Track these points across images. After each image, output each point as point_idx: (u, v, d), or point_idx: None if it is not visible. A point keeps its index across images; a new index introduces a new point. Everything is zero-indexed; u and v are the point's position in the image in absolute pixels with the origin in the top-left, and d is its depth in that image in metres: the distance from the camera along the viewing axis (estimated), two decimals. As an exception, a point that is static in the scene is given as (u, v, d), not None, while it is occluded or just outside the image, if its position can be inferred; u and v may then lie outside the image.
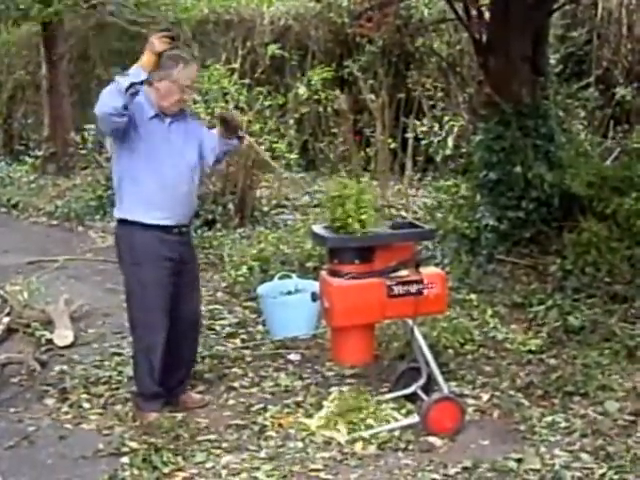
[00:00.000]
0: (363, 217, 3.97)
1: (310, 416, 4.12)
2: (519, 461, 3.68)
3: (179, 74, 4.06)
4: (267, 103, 9.28)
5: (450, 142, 9.93)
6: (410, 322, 4.06)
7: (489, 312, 5.54)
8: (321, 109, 11.22)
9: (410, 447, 3.86)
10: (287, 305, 5.29)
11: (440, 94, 10.75)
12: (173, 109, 4.12)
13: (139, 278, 4.11)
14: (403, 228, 4.21)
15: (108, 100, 3.88)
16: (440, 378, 4.07)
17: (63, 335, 5.35)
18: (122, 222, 4.15)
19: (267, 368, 4.88)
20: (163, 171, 4.06)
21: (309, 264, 6.32)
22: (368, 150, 10.21)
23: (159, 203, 4.06)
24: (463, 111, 10.12)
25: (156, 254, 4.08)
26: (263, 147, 9.50)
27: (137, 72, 3.89)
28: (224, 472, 3.67)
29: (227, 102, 9.28)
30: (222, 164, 4.61)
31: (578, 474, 3.57)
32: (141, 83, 3.90)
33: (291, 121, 11.12)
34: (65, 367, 4.95)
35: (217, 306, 5.99)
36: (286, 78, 12.00)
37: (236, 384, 4.64)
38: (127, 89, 3.83)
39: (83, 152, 10.99)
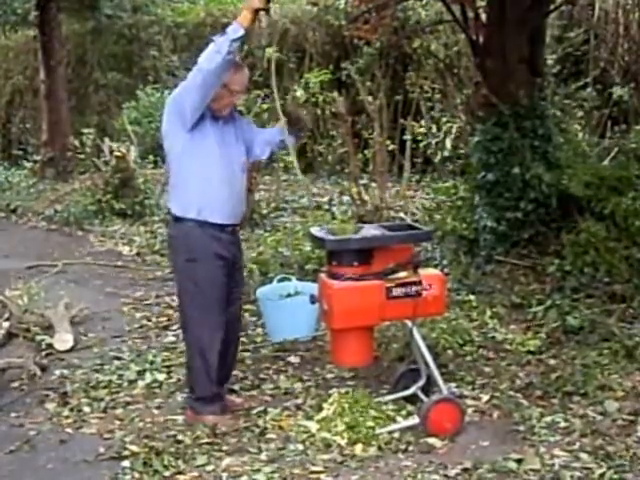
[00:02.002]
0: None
1: (310, 418, 4.13)
2: (519, 461, 3.69)
3: (230, 78, 4.05)
4: (265, 106, 9.29)
5: (448, 143, 9.95)
6: (409, 323, 4.07)
7: (488, 313, 5.55)
8: (319, 111, 11.23)
9: (410, 448, 3.87)
10: (286, 308, 5.31)
11: (438, 96, 10.76)
12: (223, 112, 4.14)
13: (193, 275, 4.11)
14: (401, 230, 4.23)
15: (210, 58, 3.86)
16: (439, 379, 4.08)
17: (63, 339, 5.35)
18: (178, 220, 4.17)
19: (267, 371, 4.89)
20: (219, 171, 4.09)
21: (308, 266, 6.33)
22: (366, 152, 10.22)
23: (214, 202, 4.08)
24: (461, 112, 10.13)
25: (211, 252, 4.10)
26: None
27: (235, 29, 3.85)
28: (225, 475, 3.67)
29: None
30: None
31: (578, 474, 3.58)
32: (240, 39, 3.86)
33: (289, 124, 11.12)
34: (65, 371, 4.96)
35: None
36: (284, 81, 12.01)
37: (236, 387, 4.64)
38: (229, 47, 3.83)
39: (81, 156, 10.99)
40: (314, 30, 12.41)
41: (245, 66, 4.28)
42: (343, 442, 3.90)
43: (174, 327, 5.78)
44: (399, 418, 4.08)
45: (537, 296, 5.70)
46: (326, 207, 8.87)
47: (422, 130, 10.17)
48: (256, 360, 5.03)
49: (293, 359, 5.07)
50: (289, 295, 5.46)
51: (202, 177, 4.08)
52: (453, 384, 4.51)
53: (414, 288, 3.97)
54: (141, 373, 4.86)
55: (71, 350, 5.32)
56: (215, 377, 4.20)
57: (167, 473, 3.69)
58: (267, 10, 3.98)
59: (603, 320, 5.20)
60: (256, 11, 3.90)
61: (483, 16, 6.77)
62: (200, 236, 4.09)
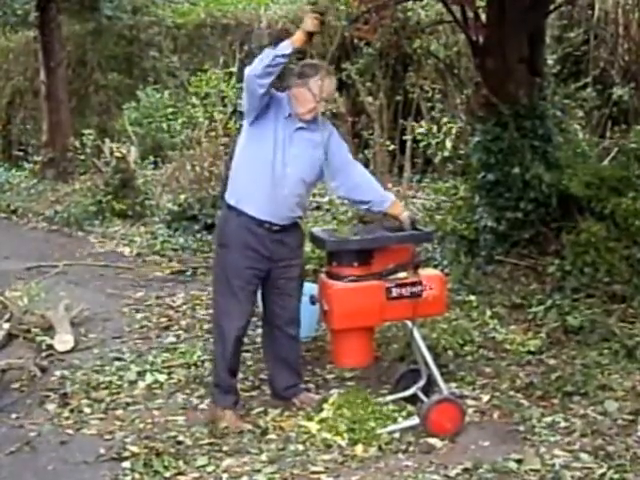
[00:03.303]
0: None
1: (310, 419, 4.12)
2: (519, 462, 3.69)
3: (317, 84, 4.10)
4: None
5: (448, 144, 9.93)
6: (409, 324, 4.07)
7: (488, 313, 5.55)
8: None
9: (411, 449, 3.87)
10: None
11: (438, 96, 10.75)
12: (306, 117, 4.15)
13: (222, 261, 4.22)
14: (401, 230, 4.22)
15: (255, 66, 3.98)
16: (440, 379, 4.09)
17: (63, 340, 5.35)
18: (224, 204, 4.28)
19: (267, 371, 4.87)
20: (266, 169, 4.10)
21: (308, 267, 6.32)
22: (367, 152, 10.22)
23: (253, 196, 4.11)
24: (461, 113, 10.13)
25: (241, 241, 4.14)
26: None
27: (285, 46, 3.97)
28: (225, 476, 3.68)
29: (225, 106, 9.30)
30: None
31: (578, 474, 3.58)
32: (285, 56, 3.95)
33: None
34: (66, 372, 4.96)
35: (217, 310, 5.99)
36: (283, 82, 12.00)
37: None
38: (271, 61, 3.93)
39: (82, 157, 11.00)
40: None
41: (334, 74, 4.31)
42: (343, 442, 3.91)
43: (174, 328, 5.79)
44: (400, 418, 4.08)
45: (537, 296, 5.70)
46: (326, 207, 8.87)
47: (422, 130, 10.16)
48: (257, 361, 5.03)
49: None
50: (289, 296, 5.45)
51: (248, 169, 4.14)
52: (453, 384, 4.51)
53: (414, 288, 3.97)
54: (141, 374, 4.87)
55: (71, 351, 5.32)
56: (230, 366, 4.25)
57: (167, 474, 3.70)
58: (320, 33, 4.07)
59: (603, 320, 5.20)
60: (309, 34, 3.97)
61: (483, 16, 6.77)
62: (235, 224, 4.16)
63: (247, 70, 4.05)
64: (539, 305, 5.56)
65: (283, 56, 3.95)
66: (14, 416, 4.38)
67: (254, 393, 4.59)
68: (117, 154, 9.79)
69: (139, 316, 6.08)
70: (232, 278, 4.16)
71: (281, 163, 4.12)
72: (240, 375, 4.78)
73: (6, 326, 5.58)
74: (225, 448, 3.93)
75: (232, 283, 4.16)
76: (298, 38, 3.99)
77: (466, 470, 3.64)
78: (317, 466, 3.73)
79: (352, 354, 4.13)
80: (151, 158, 10.86)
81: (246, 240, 4.14)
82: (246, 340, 5.31)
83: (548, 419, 4.11)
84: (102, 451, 3.93)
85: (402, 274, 4.01)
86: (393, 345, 4.98)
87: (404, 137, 9.92)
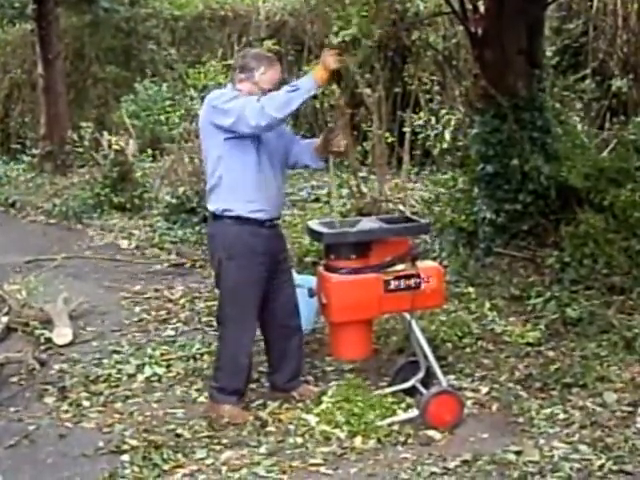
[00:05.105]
0: None
1: (309, 411, 4.13)
2: (518, 453, 3.69)
3: (261, 77, 4.09)
4: (264, 99, 9.25)
5: (447, 135, 9.93)
6: (408, 316, 4.06)
7: (487, 305, 5.55)
8: (318, 104, 11.22)
9: (409, 441, 3.87)
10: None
11: (436, 88, 10.74)
12: None
13: (231, 273, 4.12)
14: (399, 223, 4.22)
15: (279, 108, 3.90)
16: (439, 372, 4.08)
17: (62, 333, 5.35)
18: (216, 217, 4.17)
19: (266, 364, 4.87)
20: (258, 170, 4.09)
21: (307, 259, 6.33)
22: (365, 144, 10.21)
23: (254, 200, 4.08)
24: (459, 104, 10.11)
25: (250, 249, 4.10)
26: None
27: (309, 88, 3.91)
28: (224, 468, 3.68)
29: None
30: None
31: (577, 465, 3.58)
32: (311, 97, 3.98)
33: (288, 117, 11.12)
34: (64, 365, 4.96)
35: (215, 302, 5.98)
36: (283, 73, 11.97)
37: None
38: (299, 104, 3.92)
39: (80, 150, 10.98)
40: (312, 22, 12.37)
41: (278, 63, 4.28)
42: (342, 435, 3.90)
43: (173, 320, 5.79)
44: (398, 410, 4.07)
45: (536, 288, 5.69)
46: (325, 200, 8.86)
47: (421, 122, 10.15)
48: (255, 353, 5.01)
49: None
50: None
51: (241, 176, 4.07)
52: (452, 376, 4.51)
53: (412, 281, 3.97)
54: (140, 367, 4.87)
55: (70, 344, 5.32)
56: (244, 376, 4.23)
57: (166, 467, 3.69)
58: (342, 68, 4.06)
59: (602, 312, 5.20)
60: (332, 71, 3.94)
61: (481, 8, 6.75)
62: (239, 233, 4.10)
63: (265, 114, 3.88)
64: (538, 297, 5.56)
65: (310, 97, 3.95)
66: (13, 410, 4.38)
67: (253, 386, 4.58)
68: (115, 147, 9.77)
69: (138, 309, 6.08)
70: (245, 289, 4.12)
71: (268, 160, 4.13)
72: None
73: (5, 319, 5.59)
74: (224, 440, 3.93)
75: (246, 294, 4.13)
76: (322, 77, 3.91)
77: (465, 462, 3.64)
78: (316, 458, 3.73)
79: (351, 346, 4.12)
80: (149, 151, 10.84)
81: (254, 246, 4.11)
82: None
83: (547, 411, 4.11)
84: (101, 444, 3.93)
85: (400, 266, 4.00)
86: (392, 337, 4.98)
87: (403, 129, 9.90)
